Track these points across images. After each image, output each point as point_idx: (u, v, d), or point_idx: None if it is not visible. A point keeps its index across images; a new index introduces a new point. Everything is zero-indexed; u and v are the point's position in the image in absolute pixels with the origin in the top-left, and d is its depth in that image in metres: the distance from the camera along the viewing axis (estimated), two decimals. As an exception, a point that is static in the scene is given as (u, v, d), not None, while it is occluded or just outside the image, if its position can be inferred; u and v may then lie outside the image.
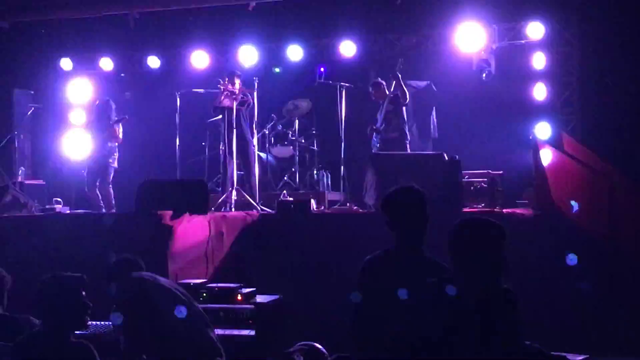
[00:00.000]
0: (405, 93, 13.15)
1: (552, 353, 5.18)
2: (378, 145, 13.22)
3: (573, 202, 10.16)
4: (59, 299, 5.59)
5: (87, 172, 13.70)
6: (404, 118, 13.28)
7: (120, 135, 13.60)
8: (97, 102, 14.05)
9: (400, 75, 13.05)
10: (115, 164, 13.65)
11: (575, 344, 7.53)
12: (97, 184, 13.50)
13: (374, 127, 13.30)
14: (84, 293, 5.72)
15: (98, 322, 7.41)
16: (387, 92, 13.38)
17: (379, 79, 13.59)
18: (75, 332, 5.94)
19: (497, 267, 4.96)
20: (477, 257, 4.95)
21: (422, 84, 13.99)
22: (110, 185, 13.50)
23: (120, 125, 13.60)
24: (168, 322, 5.98)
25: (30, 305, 5.97)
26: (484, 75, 13.62)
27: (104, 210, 13.23)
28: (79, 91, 16.16)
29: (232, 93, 13.19)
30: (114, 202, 13.40)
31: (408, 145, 13.23)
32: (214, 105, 13.49)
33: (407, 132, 13.32)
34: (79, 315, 5.68)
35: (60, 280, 5.69)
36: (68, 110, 16.21)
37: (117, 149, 13.68)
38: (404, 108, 13.28)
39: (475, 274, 4.94)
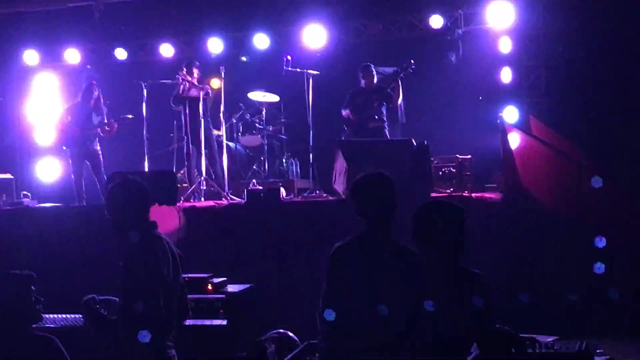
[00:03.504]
0: (400, 96, 13.15)
1: (521, 335, 5.22)
2: (350, 135, 13.16)
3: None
4: (8, 297, 5.56)
5: (73, 158, 13.61)
6: (384, 107, 13.25)
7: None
8: (90, 88, 13.83)
9: (400, 83, 13.03)
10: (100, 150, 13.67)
11: (544, 325, 7.57)
12: (93, 172, 13.48)
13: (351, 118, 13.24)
14: (33, 288, 5.68)
15: (68, 315, 7.39)
16: (375, 82, 13.33)
17: (371, 65, 13.50)
18: (42, 325, 5.93)
19: (456, 248, 5.04)
20: (437, 238, 5.02)
21: (390, 70, 13.97)
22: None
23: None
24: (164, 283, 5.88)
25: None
26: (452, 58, 13.69)
27: (84, 202, 13.18)
28: (45, 87, 16.14)
29: (199, 82, 13.17)
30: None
31: (387, 132, 13.23)
32: (175, 95, 13.43)
33: (386, 119, 13.29)
34: (30, 310, 5.65)
35: (8, 278, 5.66)
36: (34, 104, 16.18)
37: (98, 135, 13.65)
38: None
39: (435, 254, 5.01)
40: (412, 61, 12.96)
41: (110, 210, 6.01)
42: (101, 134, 13.51)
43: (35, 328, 5.82)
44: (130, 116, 13.60)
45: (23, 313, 5.62)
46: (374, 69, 13.31)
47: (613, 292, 9.35)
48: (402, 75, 13.00)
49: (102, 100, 13.62)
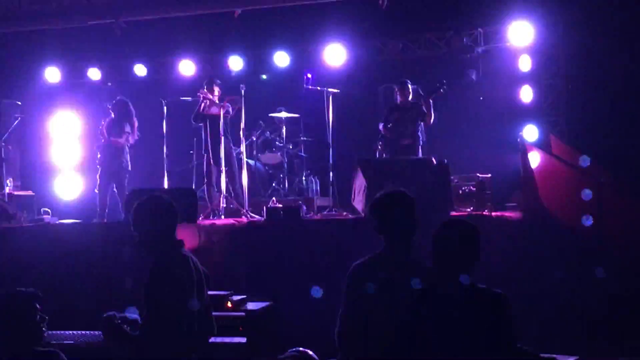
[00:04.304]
0: (432, 116, 13.08)
1: (542, 355, 5.20)
2: (383, 151, 13.13)
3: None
4: (11, 314, 5.55)
5: (101, 174, 13.64)
6: (418, 124, 13.19)
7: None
8: (115, 102, 13.88)
9: (432, 102, 12.97)
10: (129, 167, 13.72)
11: (565, 345, 7.54)
12: (115, 189, 13.53)
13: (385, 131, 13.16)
14: (38, 306, 5.66)
15: (86, 332, 7.39)
16: (411, 99, 13.27)
17: (407, 81, 13.36)
18: (60, 342, 5.94)
19: (471, 266, 5.02)
20: (450, 255, 5.01)
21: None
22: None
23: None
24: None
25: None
26: (473, 76, 13.71)
27: (105, 219, 13.21)
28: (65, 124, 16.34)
29: (220, 100, 13.19)
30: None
31: (420, 149, 13.18)
32: (195, 113, 13.43)
33: (420, 136, 13.23)
34: (33, 329, 5.63)
35: (12, 296, 5.65)
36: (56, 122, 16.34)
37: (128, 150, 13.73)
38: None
39: (448, 272, 4.99)
40: (445, 82, 12.93)
41: (136, 227, 5.96)
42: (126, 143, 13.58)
43: (47, 344, 5.83)
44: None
45: (26, 331, 5.60)
46: (410, 85, 13.24)
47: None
48: (434, 95, 12.95)
49: (133, 115, 13.71)
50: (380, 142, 13.16)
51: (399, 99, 13.28)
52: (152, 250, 5.88)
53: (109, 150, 13.51)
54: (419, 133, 13.17)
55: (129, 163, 13.63)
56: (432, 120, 13.00)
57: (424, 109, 12.93)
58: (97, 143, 13.83)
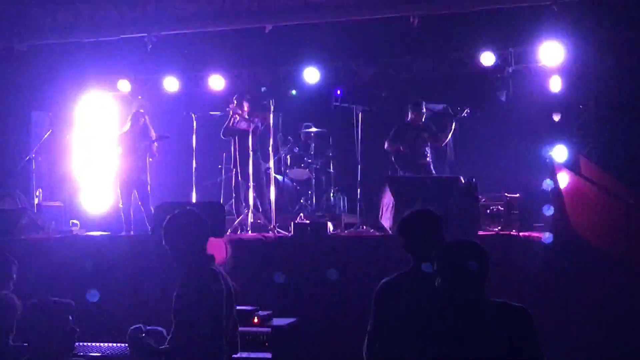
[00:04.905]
0: (448, 138, 13.20)
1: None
2: (400, 170, 13.18)
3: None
4: (45, 324, 5.57)
5: (121, 185, 13.66)
6: (429, 144, 13.28)
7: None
8: (137, 116, 13.89)
9: (454, 124, 13.07)
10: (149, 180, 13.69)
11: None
12: (140, 202, 13.54)
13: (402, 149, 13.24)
14: (70, 318, 5.68)
15: (114, 344, 7.42)
16: (424, 119, 13.32)
17: (422, 101, 13.49)
18: (86, 353, 5.96)
19: (478, 283, 4.94)
20: (456, 273, 4.95)
21: (439, 106, 13.96)
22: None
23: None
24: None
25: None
26: (502, 97, 13.70)
27: (132, 232, 13.23)
28: (96, 108, 16.41)
29: (250, 115, 13.21)
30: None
31: (433, 169, 13.25)
32: (225, 127, 13.45)
33: (431, 156, 13.32)
34: (65, 340, 5.64)
35: (47, 305, 5.67)
36: (85, 132, 16.41)
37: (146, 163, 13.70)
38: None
39: (456, 289, 4.94)
40: (468, 108, 12.98)
41: (168, 240, 5.98)
42: (150, 159, 13.55)
43: (74, 355, 5.85)
44: (168, 136, 13.73)
45: (55, 343, 5.62)
46: (424, 106, 13.28)
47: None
48: (455, 118, 12.99)
49: (150, 127, 13.68)
50: (393, 160, 13.21)
51: (410, 118, 13.31)
52: (183, 264, 5.90)
53: (131, 160, 13.49)
54: (430, 154, 13.26)
55: (149, 173, 13.63)
56: (444, 143, 13.08)
57: (439, 130, 13.03)
58: (116, 153, 13.81)
